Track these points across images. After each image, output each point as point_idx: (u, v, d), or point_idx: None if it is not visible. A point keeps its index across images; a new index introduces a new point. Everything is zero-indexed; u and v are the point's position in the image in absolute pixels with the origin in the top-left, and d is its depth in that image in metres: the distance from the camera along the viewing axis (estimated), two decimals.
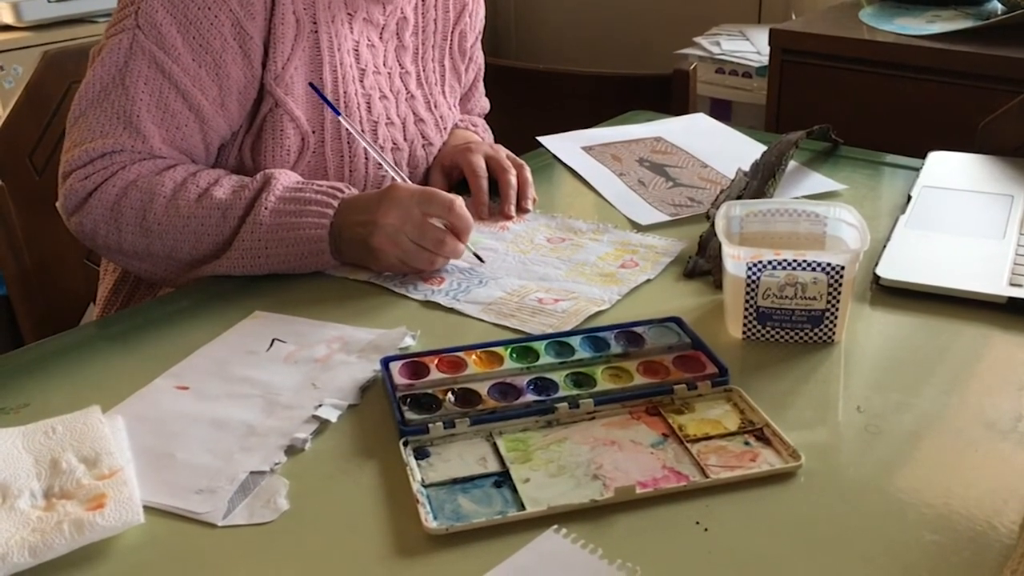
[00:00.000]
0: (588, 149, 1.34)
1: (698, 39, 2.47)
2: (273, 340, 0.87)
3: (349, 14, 1.07)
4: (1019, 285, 0.90)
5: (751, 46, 2.39)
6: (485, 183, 1.13)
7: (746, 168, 1.16)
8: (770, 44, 1.94)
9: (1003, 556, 0.60)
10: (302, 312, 0.91)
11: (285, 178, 0.98)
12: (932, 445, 0.71)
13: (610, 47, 3.00)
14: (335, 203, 0.96)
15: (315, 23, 1.04)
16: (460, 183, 1.18)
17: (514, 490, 0.66)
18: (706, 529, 0.63)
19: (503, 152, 1.18)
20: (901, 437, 0.72)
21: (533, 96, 1.74)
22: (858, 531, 0.62)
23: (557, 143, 1.36)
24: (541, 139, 1.37)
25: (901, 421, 0.73)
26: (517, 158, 1.18)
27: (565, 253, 1.03)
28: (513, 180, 1.13)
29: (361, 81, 1.10)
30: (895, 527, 0.63)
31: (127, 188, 0.96)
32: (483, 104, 1.38)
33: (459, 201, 0.96)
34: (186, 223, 0.96)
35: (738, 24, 2.57)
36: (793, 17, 2.42)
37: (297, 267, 0.97)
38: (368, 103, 1.11)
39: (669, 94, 1.61)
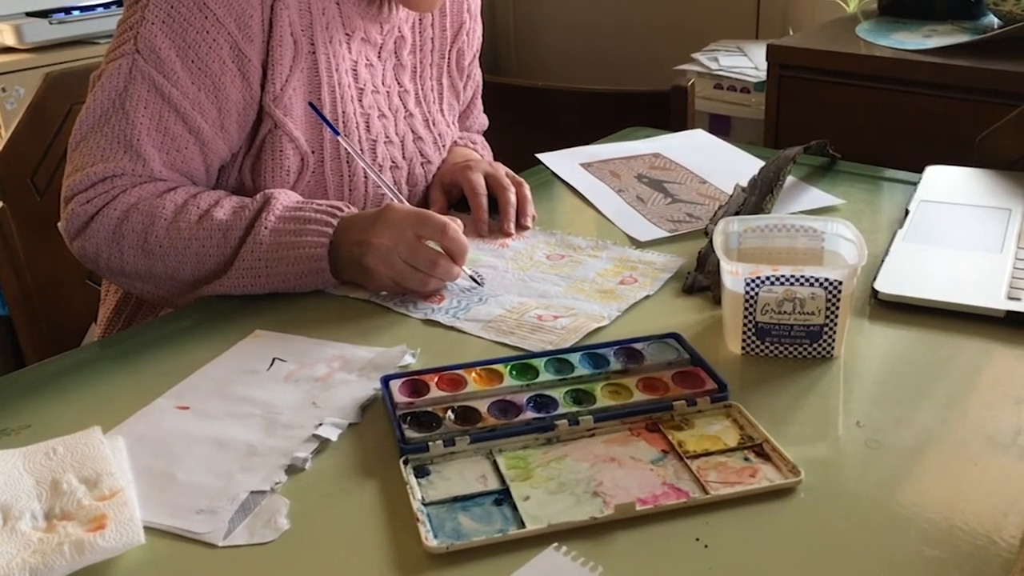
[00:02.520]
0: (587, 166, 1.34)
1: (696, 55, 2.48)
2: (273, 359, 0.87)
3: (347, 34, 1.08)
4: (1017, 298, 0.90)
5: (749, 62, 2.40)
6: (485, 201, 1.14)
7: (744, 184, 1.17)
8: (768, 59, 1.95)
9: (1004, 571, 0.60)
10: (302, 331, 0.92)
11: (285, 197, 0.99)
12: (932, 460, 0.71)
13: (608, 64, 3.02)
14: (334, 221, 0.96)
15: (313, 44, 1.04)
16: (460, 201, 1.19)
17: (514, 508, 0.66)
18: (706, 546, 0.63)
19: (502, 170, 1.18)
20: (901, 452, 0.72)
21: (532, 113, 1.74)
22: (859, 547, 0.62)
23: (556, 160, 1.37)
24: (540, 156, 1.38)
25: (901, 436, 0.74)
26: (516, 175, 1.19)
27: (564, 270, 1.03)
28: (512, 198, 1.14)
29: (360, 100, 1.10)
30: (896, 542, 0.63)
31: (128, 211, 0.97)
32: (482, 121, 1.39)
33: (453, 224, 0.96)
34: (187, 245, 0.96)
35: (736, 40, 2.58)
36: (790, 32, 2.43)
37: (297, 285, 0.97)
38: (367, 122, 1.11)
39: (667, 110, 1.61)
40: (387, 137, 1.14)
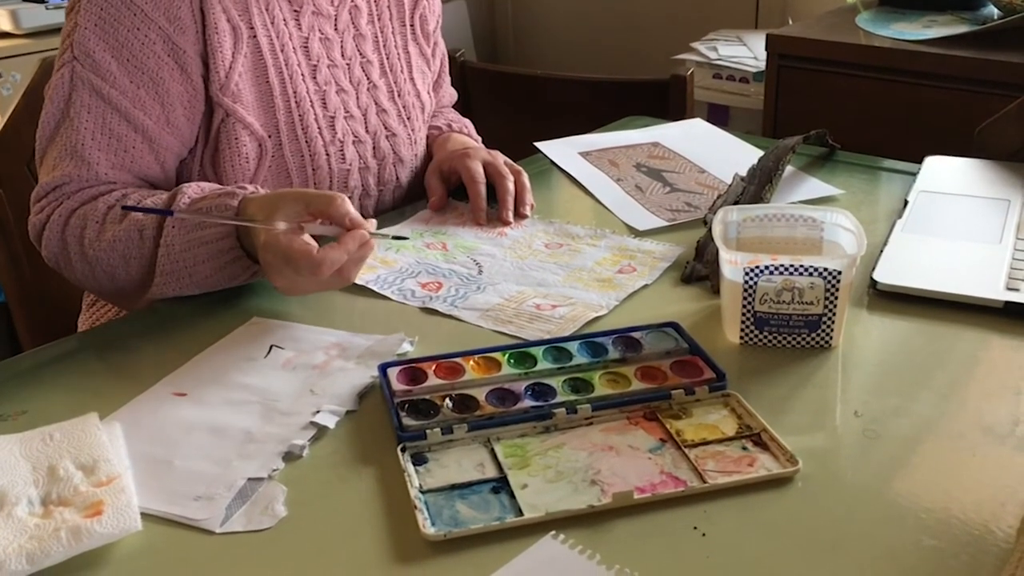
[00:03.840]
0: (586, 155, 1.34)
1: (695, 44, 2.47)
2: (271, 346, 0.87)
3: (295, 10, 1.08)
4: (1016, 289, 0.90)
5: (748, 51, 2.40)
6: (483, 189, 1.13)
7: (743, 173, 1.17)
8: (767, 49, 1.95)
9: (1001, 560, 0.60)
10: (300, 318, 0.91)
11: (192, 190, 0.95)
12: (930, 449, 0.71)
13: (608, 53, 3.01)
14: (234, 203, 0.91)
15: (252, 28, 1.04)
16: (458, 188, 1.19)
17: (512, 496, 0.66)
18: (704, 534, 0.63)
19: (501, 158, 1.18)
20: (899, 441, 0.72)
21: (531, 102, 1.74)
22: (856, 536, 0.62)
23: (555, 149, 1.36)
24: (539, 145, 1.37)
25: (899, 425, 0.74)
26: (515, 164, 1.18)
27: (563, 259, 1.03)
28: (511, 186, 1.14)
29: (313, 77, 1.10)
30: (893, 532, 0.63)
31: (70, 216, 0.96)
32: (451, 93, 1.38)
33: (327, 261, 0.85)
34: (112, 246, 0.94)
35: (735, 29, 2.58)
36: (790, 22, 2.43)
37: (226, 277, 0.93)
38: (323, 98, 1.10)
39: (666, 99, 1.61)
40: (347, 112, 1.13)
